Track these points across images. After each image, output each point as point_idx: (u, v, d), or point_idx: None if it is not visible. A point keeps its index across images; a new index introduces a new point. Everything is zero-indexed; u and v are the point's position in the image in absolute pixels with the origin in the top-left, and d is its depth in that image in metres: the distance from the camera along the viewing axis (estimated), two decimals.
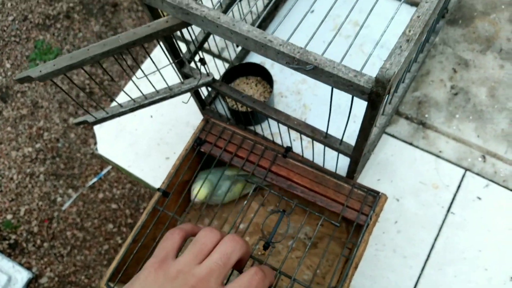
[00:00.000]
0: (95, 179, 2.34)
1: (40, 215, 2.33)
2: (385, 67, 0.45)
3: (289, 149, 0.75)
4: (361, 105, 0.82)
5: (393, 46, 0.98)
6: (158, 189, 0.77)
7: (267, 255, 0.67)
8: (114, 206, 2.30)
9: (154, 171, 0.95)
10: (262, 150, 0.77)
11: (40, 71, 0.57)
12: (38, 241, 2.28)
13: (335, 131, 0.70)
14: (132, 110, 0.72)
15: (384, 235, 0.84)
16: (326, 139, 0.67)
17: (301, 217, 0.86)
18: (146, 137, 0.99)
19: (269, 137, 0.88)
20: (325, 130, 0.69)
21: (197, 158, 0.81)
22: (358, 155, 0.63)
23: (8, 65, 2.72)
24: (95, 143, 2.47)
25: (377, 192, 0.71)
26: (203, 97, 0.89)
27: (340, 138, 0.68)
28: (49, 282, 2.17)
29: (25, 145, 2.48)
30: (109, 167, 2.35)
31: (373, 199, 0.71)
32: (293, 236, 0.85)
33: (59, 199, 2.37)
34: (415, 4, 1.03)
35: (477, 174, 0.89)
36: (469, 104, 0.97)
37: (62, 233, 2.29)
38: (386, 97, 0.49)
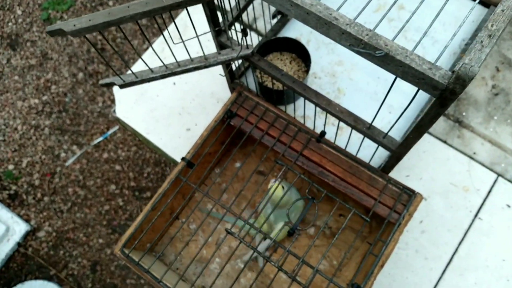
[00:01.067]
0: (100, 138, 2.31)
1: (42, 168, 2.30)
2: (466, 62, 0.40)
3: (323, 133, 0.71)
4: (399, 96, 0.77)
5: (438, 35, 0.92)
6: (183, 159, 0.73)
7: (291, 242, 0.64)
8: (118, 167, 2.27)
9: (174, 141, 0.91)
10: (295, 132, 0.73)
11: (74, 25, 0.51)
12: (39, 195, 2.26)
13: (369, 119, 0.65)
14: (163, 76, 0.67)
15: (408, 234, 0.81)
16: (369, 130, 0.63)
17: (326, 207, 0.82)
18: (168, 105, 0.95)
19: (300, 119, 0.84)
20: (361, 118, 0.65)
21: (226, 132, 0.77)
22: (404, 151, 0.59)
23: (19, 12, 2.63)
24: (103, 102, 2.42)
25: (413, 191, 0.67)
26: (233, 69, 0.84)
27: (379, 128, 0.64)
28: (47, 236, 2.16)
29: (32, 96, 2.43)
30: (116, 128, 2.31)
31: (408, 198, 0.67)
32: (314, 224, 0.82)
33: (63, 154, 2.34)
34: None
35: (509, 181, 0.85)
36: (509, 107, 0.92)
37: (64, 189, 2.27)
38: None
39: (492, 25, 0.44)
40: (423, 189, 0.84)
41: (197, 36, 0.62)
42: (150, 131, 0.93)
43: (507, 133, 0.89)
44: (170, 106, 0.95)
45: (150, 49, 1.01)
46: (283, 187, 0.73)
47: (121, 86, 0.67)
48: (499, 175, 0.85)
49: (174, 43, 0.61)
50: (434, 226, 0.82)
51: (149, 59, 0.94)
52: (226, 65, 0.81)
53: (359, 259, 0.75)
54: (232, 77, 0.85)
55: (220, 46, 0.73)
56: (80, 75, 2.47)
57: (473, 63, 0.41)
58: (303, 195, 0.80)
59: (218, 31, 0.70)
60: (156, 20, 0.56)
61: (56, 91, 2.50)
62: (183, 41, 0.62)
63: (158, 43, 1.01)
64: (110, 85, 0.67)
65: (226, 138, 0.75)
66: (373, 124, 0.63)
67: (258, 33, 0.99)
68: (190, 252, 0.80)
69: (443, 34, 0.92)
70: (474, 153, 0.87)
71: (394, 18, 0.94)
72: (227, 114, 0.74)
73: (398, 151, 0.60)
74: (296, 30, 0.95)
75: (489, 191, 0.84)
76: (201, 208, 0.84)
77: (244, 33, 0.64)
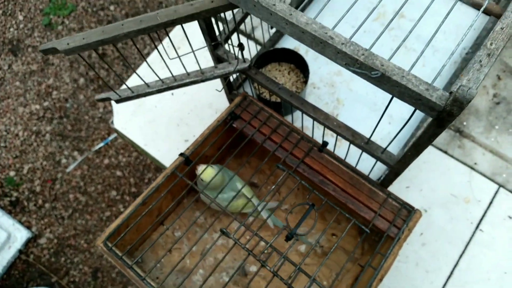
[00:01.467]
0: (101, 144, 2.30)
1: (43, 175, 2.30)
2: (463, 84, 0.39)
3: (325, 143, 0.70)
4: (398, 105, 0.76)
5: (438, 43, 0.91)
6: (182, 154, 0.72)
7: (288, 247, 0.62)
8: (119, 173, 2.27)
9: (172, 153, 0.91)
10: (298, 140, 0.72)
11: (68, 44, 0.51)
12: (40, 201, 2.26)
13: (368, 130, 0.64)
14: (160, 91, 0.67)
15: (408, 246, 0.80)
16: (367, 145, 0.62)
17: (319, 225, 0.80)
18: (166, 116, 0.94)
19: None
20: (360, 131, 0.65)
21: (226, 134, 0.76)
22: (402, 168, 0.59)
23: (20, 17, 2.63)
24: (104, 107, 2.42)
25: (412, 207, 0.66)
26: (231, 81, 0.84)
27: (378, 144, 0.63)
28: (48, 243, 2.16)
29: (33, 102, 2.43)
30: (116, 133, 2.31)
31: (407, 213, 0.66)
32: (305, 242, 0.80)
33: (64, 160, 2.34)
34: (471, 4, 0.95)
35: (511, 191, 0.84)
36: (511, 116, 0.91)
37: (65, 195, 2.27)
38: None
39: (491, 44, 0.43)
40: (423, 200, 0.83)
41: (193, 51, 0.61)
42: (148, 143, 0.92)
43: (509, 142, 0.88)
44: (168, 117, 0.94)
45: (150, 57, 1.00)
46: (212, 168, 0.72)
47: (117, 101, 0.67)
48: (500, 185, 0.84)
49: (170, 58, 0.61)
50: (435, 238, 0.81)
51: (147, 70, 0.94)
52: (224, 77, 0.80)
53: (350, 281, 0.74)
54: (230, 89, 0.84)
55: (217, 59, 0.72)
56: (81, 80, 2.47)
57: (471, 84, 0.40)
58: (304, 201, 0.79)
59: (215, 45, 0.69)
60: (151, 37, 0.55)
61: (57, 96, 2.50)
62: (179, 57, 0.61)
63: (157, 53, 1.01)
64: (106, 100, 0.67)
65: (225, 141, 0.75)
66: (373, 135, 0.62)
67: (257, 42, 0.98)
68: (172, 261, 0.78)
69: (444, 42, 0.92)
70: (475, 164, 0.87)
71: (394, 27, 0.93)
72: (231, 116, 0.74)
73: (396, 167, 0.60)
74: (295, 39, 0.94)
75: (490, 202, 0.83)
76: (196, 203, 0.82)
77: (241, 47, 0.64)
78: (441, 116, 0.42)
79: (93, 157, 2.38)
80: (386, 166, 0.62)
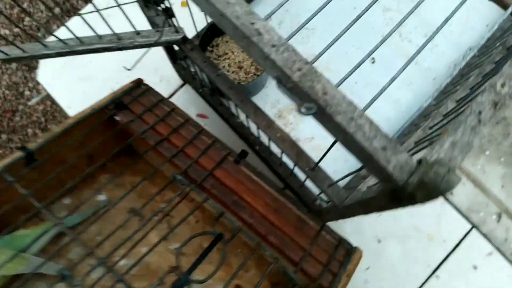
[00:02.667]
0: None
1: (4, 104, 2.13)
2: (441, 158, 0.24)
3: (244, 154, 0.53)
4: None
5: (439, 39, 0.74)
6: (22, 148, 0.48)
7: None
8: None
9: None
10: (208, 145, 0.54)
11: None
12: None
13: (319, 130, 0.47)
14: (60, 54, 0.50)
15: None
16: (312, 172, 0.47)
17: (221, 273, 0.58)
18: (100, 76, 0.78)
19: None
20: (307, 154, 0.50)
21: (102, 129, 0.54)
22: (348, 214, 0.44)
23: None
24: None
25: (351, 245, 0.52)
26: (175, 49, 0.67)
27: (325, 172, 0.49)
28: None
29: (2, 27, 2.21)
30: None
31: (345, 253, 0.52)
32: None
33: (27, 92, 2.16)
34: None
35: (484, 235, 0.71)
36: (506, 141, 0.77)
37: (23, 129, 2.12)
38: None
39: (503, 85, 0.28)
40: (379, 228, 0.70)
41: (119, 5, 0.45)
42: (73, 105, 0.76)
43: (497, 174, 0.75)
44: (103, 78, 0.78)
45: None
46: None
47: (5, 61, 0.50)
48: (474, 226, 0.72)
49: (85, 13, 0.44)
50: (381, 277, 0.69)
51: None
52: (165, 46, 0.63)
53: None
54: (174, 58, 0.68)
55: (153, 23, 0.55)
56: (57, 10, 2.24)
57: (456, 153, 0.25)
58: (208, 228, 0.60)
59: (147, 2, 0.52)
60: None
61: (30, 24, 2.28)
62: (98, 10, 0.45)
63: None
64: None
65: (98, 137, 0.52)
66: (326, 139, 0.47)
67: None
68: None
69: (449, 36, 0.75)
70: (451, 194, 0.73)
71: (391, 7, 0.76)
72: (115, 103, 0.54)
73: (342, 211, 0.45)
74: (266, 4, 0.77)
75: (457, 245, 0.71)
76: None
77: (169, 14, 0.47)
78: (397, 194, 0.27)
79: None
80: (333, 204, 0.48)
